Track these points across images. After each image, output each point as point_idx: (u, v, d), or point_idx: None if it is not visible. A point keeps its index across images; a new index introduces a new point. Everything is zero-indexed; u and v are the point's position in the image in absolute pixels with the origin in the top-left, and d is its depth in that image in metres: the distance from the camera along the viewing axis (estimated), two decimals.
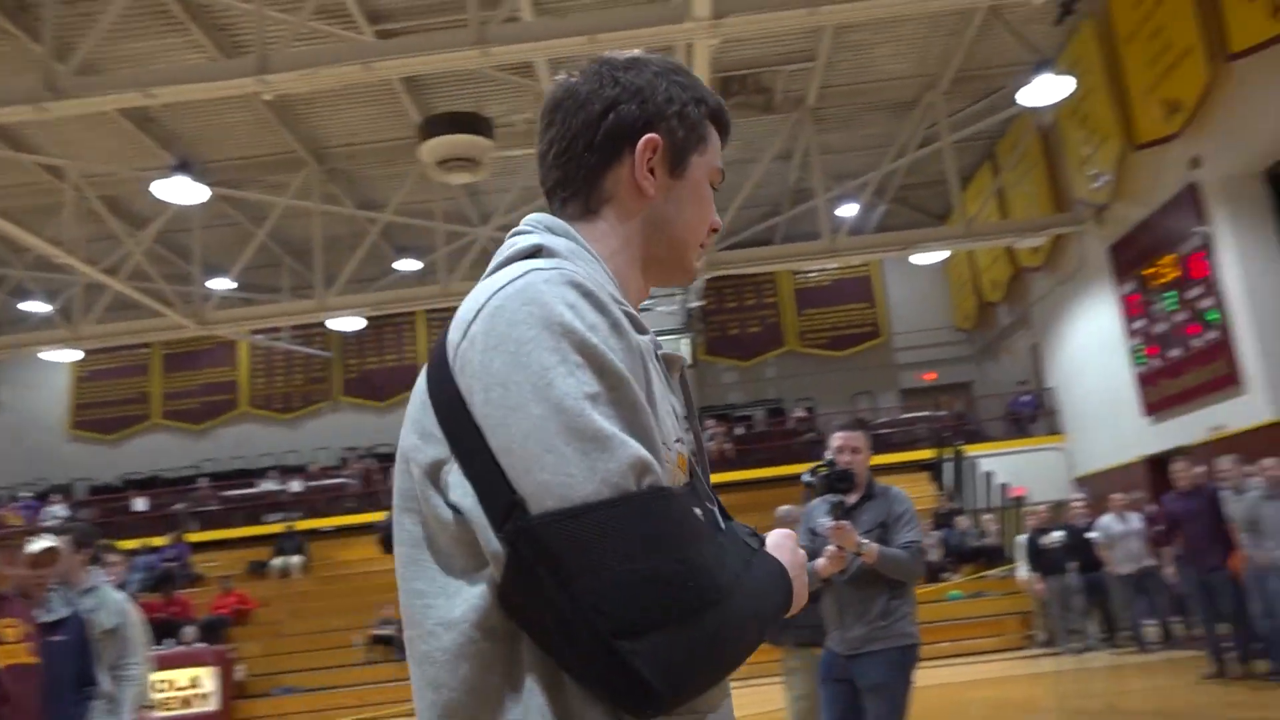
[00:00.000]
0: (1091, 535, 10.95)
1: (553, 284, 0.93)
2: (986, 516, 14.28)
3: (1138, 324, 12.91)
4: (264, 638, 13.98)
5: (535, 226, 1.10)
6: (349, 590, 14.91)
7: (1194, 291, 11.58)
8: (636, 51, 1.16)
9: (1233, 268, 10.97)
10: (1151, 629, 10.73)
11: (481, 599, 0.90)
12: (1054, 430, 15.91)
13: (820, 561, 3.47)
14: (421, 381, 1.01)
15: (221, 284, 15.70)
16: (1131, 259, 12.89)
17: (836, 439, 3.80)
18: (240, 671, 12.84)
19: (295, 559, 15.86)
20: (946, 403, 18.46)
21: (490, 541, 0.88)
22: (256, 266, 16.18)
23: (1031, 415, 16.61)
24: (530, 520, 0.85)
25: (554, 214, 1.13)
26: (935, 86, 13.94)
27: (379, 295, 15.10)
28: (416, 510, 0.96)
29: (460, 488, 0.91)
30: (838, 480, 3.63)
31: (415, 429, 0.97)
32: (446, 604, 0.92)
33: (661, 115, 1.12)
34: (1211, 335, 11.30)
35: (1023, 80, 11.54)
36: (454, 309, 1.04)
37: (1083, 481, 14.52)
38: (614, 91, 1.11)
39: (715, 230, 1.19)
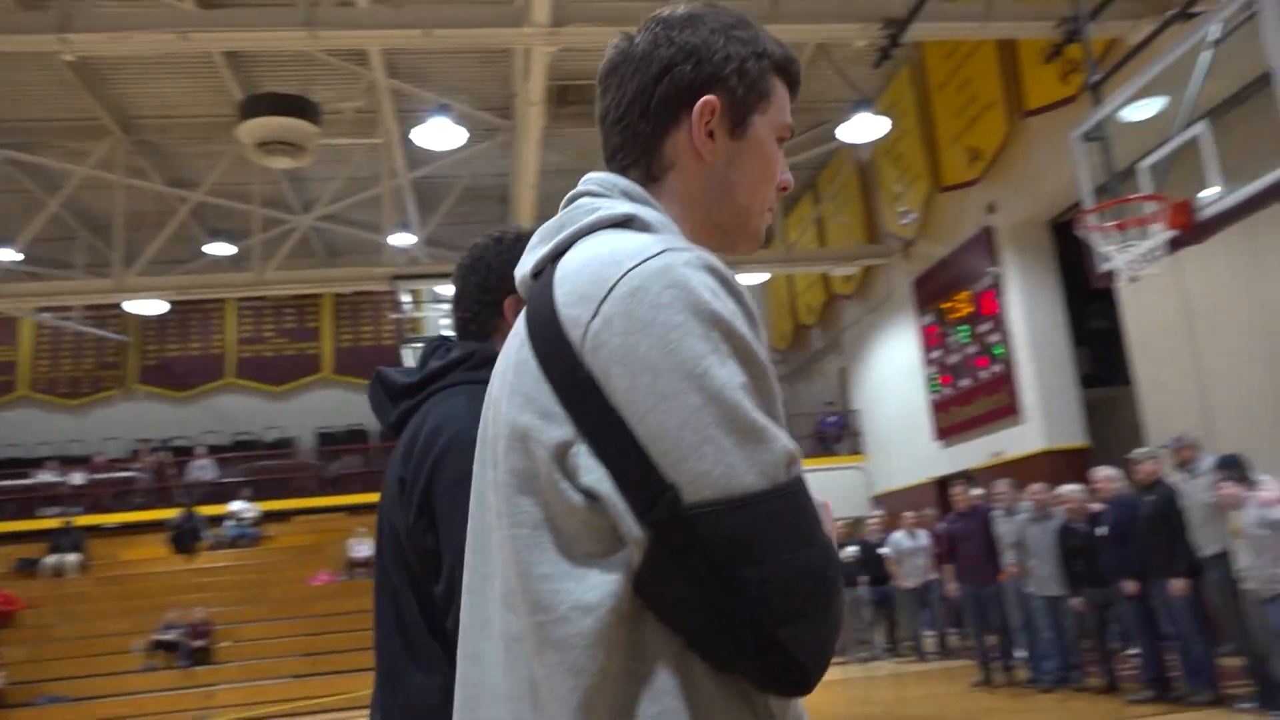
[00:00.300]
0: (883, 550, 11.62)
1: (692, 267, 0.89)
2: None
3: (934, 354, 13.82)
4: (31, 642, 12.86)
5: (608, 189, 1.05)
6: (130, 592, 13.94)
7: (984, 326, 12.52)
8: (697, 5, 1.10)
9: (1017, 307, 11.94)
10: (930, 639, 11.48)
11: (617, 584, 0.87)
12: (856, 450, 16.77)
13: None
14: (524, 354, 0.94)
15: (5, 255, 14.40)
16: (932, 293, 13.81)
17: None
18: (0, 678, 11.76)
19: (71, 557, 14.68)
20: None
21: (631, 527, 0.86)
22: (47, 239, 14.93)
23: (837, 435, 17.44)
24: (686, 509, 0.84)
25: (592, 186, 1.07)
26: None
27: (186, 279, 14.24)
28: (537, 492, 0.91)
29: (593, 471, 0.87)
30: None
31: (531, 407, 0.91)
32: (579, 588, 0.88)
33: (719, 75, 1.06)
34: (997, 368, 12.24)
35: (844, 117, 12.17)
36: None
37: (880, 500, 15.38)
38: (669, 52, 1.05)
39: (785, 189, 1.13)
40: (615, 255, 0.91)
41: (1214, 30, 6.09)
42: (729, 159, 1.07)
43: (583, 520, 0.88)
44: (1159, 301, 10.84)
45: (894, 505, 13.92)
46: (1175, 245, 5.69)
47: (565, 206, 1.05)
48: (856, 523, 13.24)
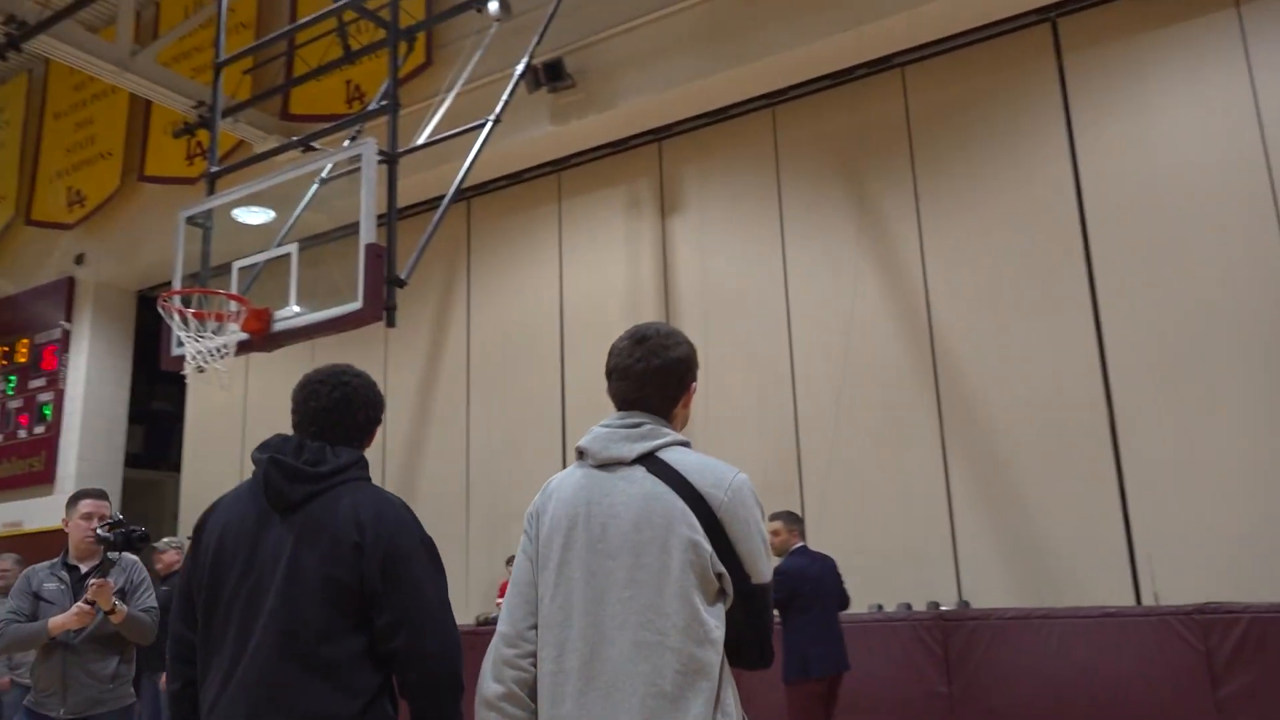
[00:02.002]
0: None
1: (749, 482, 1.95)
2: None
3: None
4: None
5: (658, 424, 2.01)
6: None
7: (38, 382, 11.31)
8: (661, 325, 2.08)
9: (81, 370, 11.10)
10: None
11: (723, 616, 1.86)
12: None
13: (67, 616, 3.67)
14: (679, 505, 1.88)
15: None
16: None
17: (88, 505, 3.95)
18: None
19: None
20: None
21: (730, 591, 1.87)
22: None
23: None
24: (753, 586, 1.89)
25: (643, 419, 2.01)
26: None
27: None
28: (698, 572, 1.84)
29: (719, 564, 1.86)
30: (139, 540, 3.88)
31: (696, 533, 1.86)
32: (714, 619, 1.84)
33: (694, 372, 2.08)
34: (40, 429, 11.09)
35: None
36: None
37: None
38: (679, 367, 2.04)
39: None
40: (718, 467, 1.93)
41: (326, 168, 6.77)
42: (687, 411, 2.10)
43: (714, 587, 1.85)
44: (221, 397, 11.21)
45: None
46: (246, 348, 5.96)
47: (631, 425, 1.98)
48: None
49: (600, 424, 2.00)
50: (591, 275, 9.21)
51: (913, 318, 7.52)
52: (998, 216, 7.35)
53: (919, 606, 6.77)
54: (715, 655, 1.80)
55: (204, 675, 2.10)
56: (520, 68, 7.04)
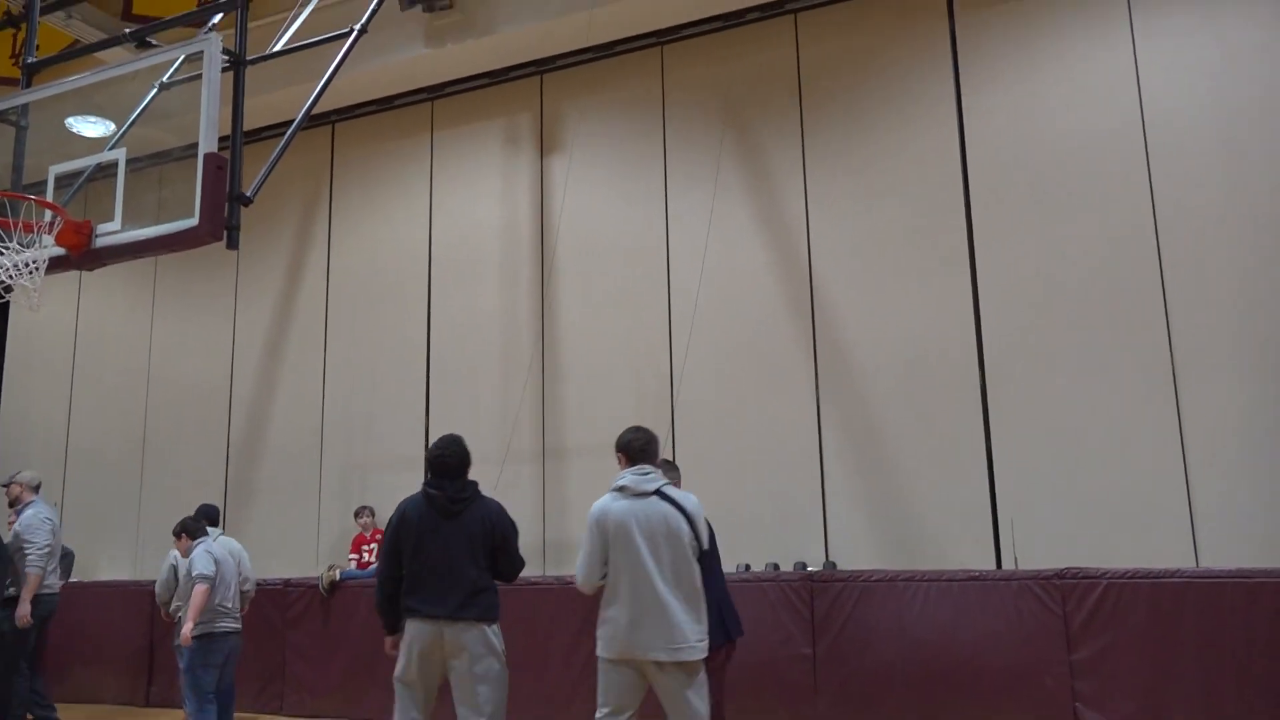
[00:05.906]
0: None
1: (699, 503, 4.25)
2: None
3: None
4: None
5: (658, 473, 4.22)
6: None
7: None
8: (643, 428, 4.36)
9: None
10: None
11: (698, 565, 4.11)
12: None
13: None
14: (680, 516, 4.10)
15: None
16: None
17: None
18: None
19: None
20: None
21: (698, 551, 4.13)
22: None
23: None
24: (706, 548, 4.19)
25: (649, 470, 4.22)
26: None
27: None
28: (690, 546, 4.07)
29: (694, 541, 4.11)
30: None
31: (686, 527, 4.08)
32: (697, 567, 4.08)
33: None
34: None
35: None
36: None
37: None
38: (658, 445, 4.35)
39: None
40: (690, 497, 4.21)
41: (169, 72, 6.05)
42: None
43: (694, 550, 4.11)
44: (52, 323, 10.24)
45: None
46: (62, 264, 5.27)
47: (645, 473, 4.19)
48: None
49: (629, 472, 4.16)
50: (464, 213, 8.71)
51: (793, 271, 7.35)
52: (883, 172, 7.22)
53: (786, 566, 6.66)
54: (699, 580, 4.03)
55: (413, 589, 4.32)
56: None
